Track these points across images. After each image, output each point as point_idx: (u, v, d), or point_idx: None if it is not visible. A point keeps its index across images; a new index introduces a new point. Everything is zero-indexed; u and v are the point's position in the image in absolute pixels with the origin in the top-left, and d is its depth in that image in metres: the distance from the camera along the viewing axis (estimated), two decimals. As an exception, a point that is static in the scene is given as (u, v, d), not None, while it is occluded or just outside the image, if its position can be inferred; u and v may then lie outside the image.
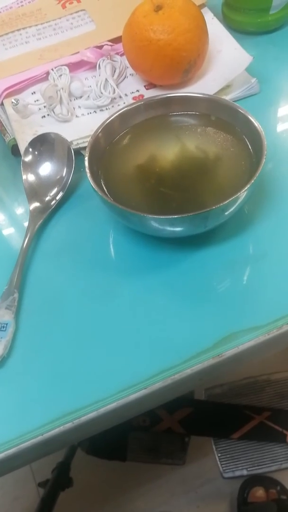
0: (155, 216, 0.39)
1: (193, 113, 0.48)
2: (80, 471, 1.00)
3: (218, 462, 1.01)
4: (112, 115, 0.46)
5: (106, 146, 0.46)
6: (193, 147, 0.46)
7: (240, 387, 1.05)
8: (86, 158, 0.43)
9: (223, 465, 1.01)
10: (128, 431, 1.03)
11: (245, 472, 1.00)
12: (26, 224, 0.47)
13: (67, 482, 0.91)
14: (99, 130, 0.45)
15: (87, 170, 0.42)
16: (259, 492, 1.00)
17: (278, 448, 1.01)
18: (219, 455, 1.02)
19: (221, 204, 0.39)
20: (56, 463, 0.95)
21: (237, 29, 0.61)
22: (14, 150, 0.53)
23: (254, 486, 1.00)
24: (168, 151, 0.46)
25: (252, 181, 0.40)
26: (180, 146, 0.46)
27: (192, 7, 0.52)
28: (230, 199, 0.39)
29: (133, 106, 0.46)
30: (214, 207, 0.39)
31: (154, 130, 0.47)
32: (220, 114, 0.47)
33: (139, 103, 0.46)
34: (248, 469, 1.00)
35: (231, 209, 0.41)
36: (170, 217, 0.39)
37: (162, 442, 1.04)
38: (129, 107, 0.46)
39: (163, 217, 0.39)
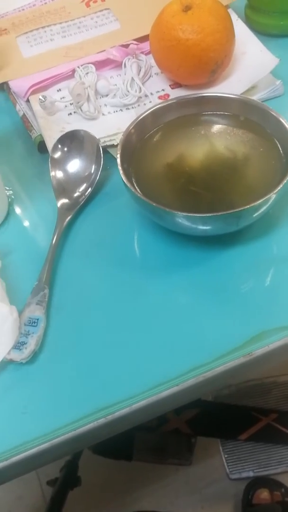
0: (190, 214, 0.39)
1: (222, 113, 0.48)
2: (86, 471, 1.00)
3: (225, 463, 1.02)
4: (144, 112, 0.46)
5: (137, 143, 0.46)
6: (223, 147, 0.46)
7: (247, 388, 1.05)
8: (118, 155, 0.43)
9: (229, 466, 1.01)
10: (134, 431, 1.03)
11: (251, 474, 1.00)
12: (53, 220, 0.47)
13: (76, 481, 0.91)
14: (132, 126, 0.45)
15: (120, 168, 0.43)
16: (263, 494, 1.00)
17: (285, 450, 1.01)
18: (226, 456, 1.02)
19: (255, 203, 0.39)
20: (65, 462, 0.95)
21: (260, 31, 0.62)
22: (41, 146, 0.53)
23: (259, 488, 1.00)
24: (197, 150, 0.46)
25: (285, 181, 0.40)
26: (209, 145, 0.47)
27: (221, 8, 0.52)
28: (263, 199, 0.39)
29: (166, 104, 0.47)
30: (248, 206, 0.39)
31: (184, 128, 0.48)
32: (250, 115, 0.47)
33: (172, 101, 0.47)
34: (255, 470, 1.00)
35: (263, 209, 0.41)
36: (204, 215, 0.39)
37: (168, 442, 1.04)
38: (161, 105, 0.47)
39: (197, 215, 0.39)
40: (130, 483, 1.05)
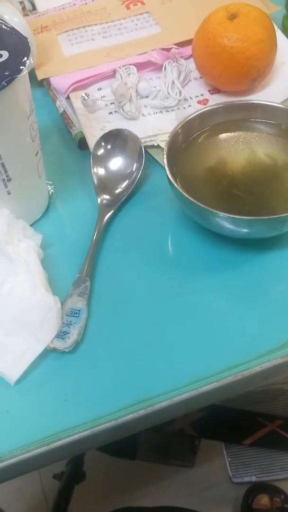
0: (237, 217, 0.40)
1: (266, 121, 0.49)
2: (89, 466, 1.00)
3: (228, 467, 1.02)
4: (193, 114, 0.47)
5: (182, 143, 0.47)
6: (264, 154, 0.47)
7: (253, 394, 1.06)
8: (165, 155, 0.44)
9: (232, 470, 1.02)
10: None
11: (254, 479, 1.01)
12: (92, 215, 0.48)
13: (81, 476, 0.92)
14: (179, 127, 0.46)
15: (166, 167, 0.44)
16: (263, 500, 1.01)
17: (288, 457, 1.02)
18: (229, 459, 1.03)
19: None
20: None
21: (297, 43, 0.63)
22: (81, 143, 0.54)
23: (259, 494, 1.01)
24: (239, 155, 0.47)
25: None
26: (251, 151, 0.48)
27: (266, 18, 0.53)
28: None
29: (214, 107, 0.48)
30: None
31: (228, 133, 0.49)
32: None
33: (219, 106, 0.48)
34: (257, 475, 1.01)
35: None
36: (252, 218, 0.40)
37: (172, 443, 1.05)
38: (209, 108, 0.48)
39: (245, 217, 0.40)
40: (131, 482, 1.06)
